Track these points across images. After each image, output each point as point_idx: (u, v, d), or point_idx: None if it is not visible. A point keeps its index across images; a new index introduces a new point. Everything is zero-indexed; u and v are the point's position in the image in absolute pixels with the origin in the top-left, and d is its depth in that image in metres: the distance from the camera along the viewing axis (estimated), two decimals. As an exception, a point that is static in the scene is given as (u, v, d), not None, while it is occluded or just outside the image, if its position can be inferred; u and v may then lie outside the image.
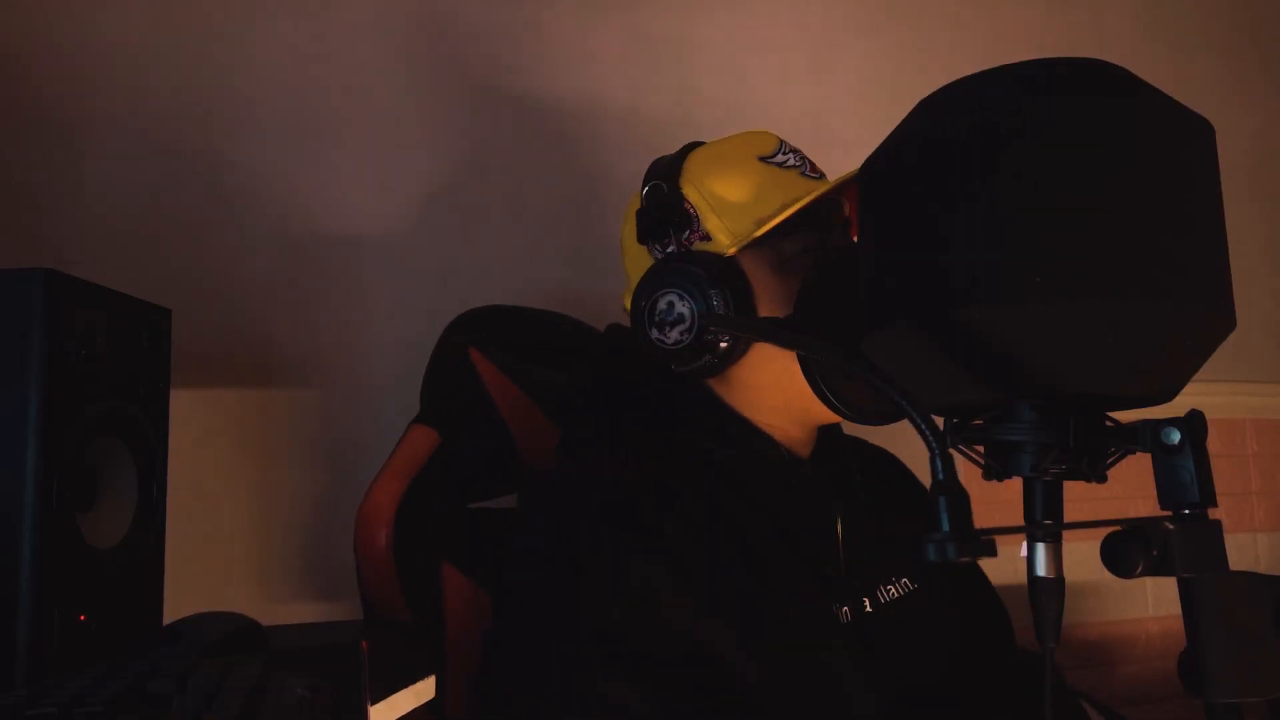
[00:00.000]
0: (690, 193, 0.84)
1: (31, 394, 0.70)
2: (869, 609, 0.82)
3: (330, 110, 1.37)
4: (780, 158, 0.85)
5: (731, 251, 0.82)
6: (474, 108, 1.45)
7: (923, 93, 0.55)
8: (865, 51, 1.71)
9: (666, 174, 0.86)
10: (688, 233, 0.84)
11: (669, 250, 0.85)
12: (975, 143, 0.50)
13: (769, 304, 0.82)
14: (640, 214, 0.87)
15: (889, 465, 1.02)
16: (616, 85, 1.53)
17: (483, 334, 1.08)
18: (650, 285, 0.83)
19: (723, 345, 0.80)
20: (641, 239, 0.87)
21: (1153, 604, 1.76)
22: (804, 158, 0.87)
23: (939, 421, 0.54)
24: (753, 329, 0.80)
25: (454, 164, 1.43)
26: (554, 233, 1.47)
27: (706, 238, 0.83)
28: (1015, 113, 0.49)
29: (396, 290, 1.38)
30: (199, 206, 1.29)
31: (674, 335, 0.81)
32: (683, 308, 0.80)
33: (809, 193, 0.80)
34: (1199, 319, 0.50)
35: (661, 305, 0.82)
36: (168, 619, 0.84)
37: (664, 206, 0.84)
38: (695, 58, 1.58)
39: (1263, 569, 0.56)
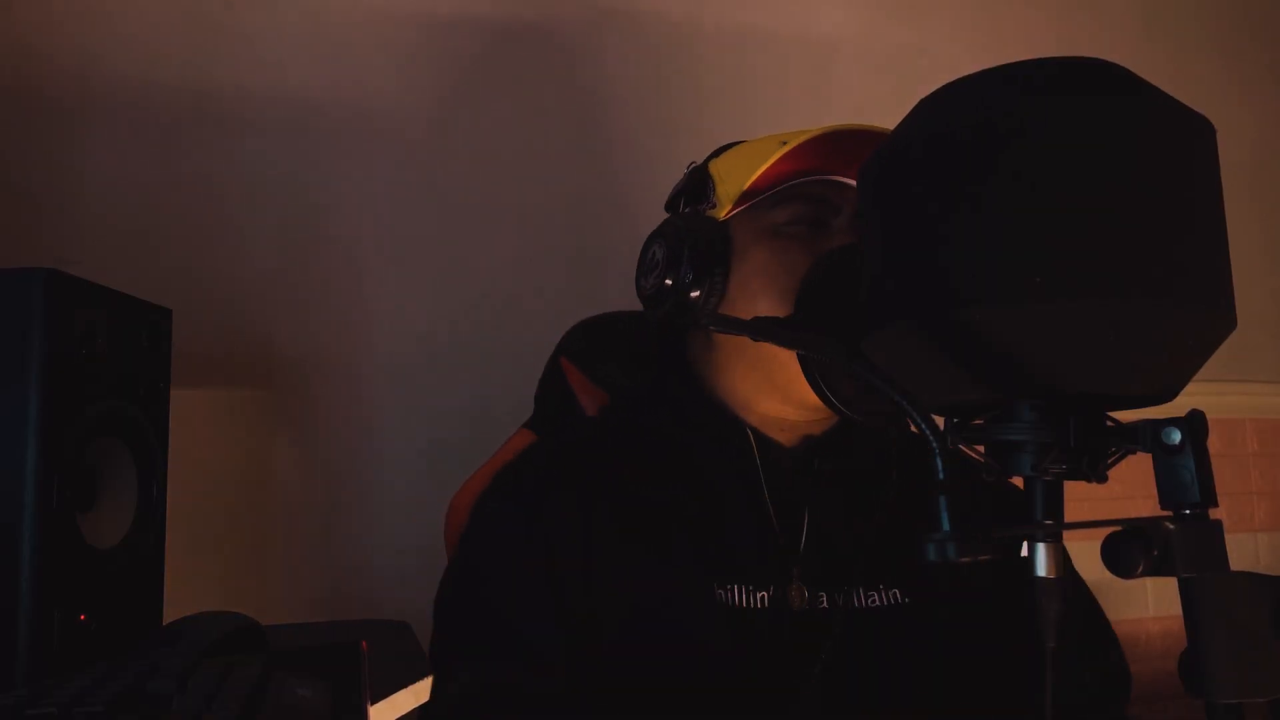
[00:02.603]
0: (714, 169, 0.89)
1: (31, 394, 0.70)
2: (824, 605, 0.81)
3: (331, 110, 1.37)
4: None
5: (723, 215, 0.86)
6: (475, 108, 1.45)
7: (922, 93, 0.55)
8: (865, 52, 1.71)
9: (709, 156, 0.92)
10: (703, 204, 0.89)
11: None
12: (975, 142, 0.50)
13: (748, 267, 0.84)
14: (674, 187, 0.94)
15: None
16: (619, 85, 1.53)
17: (576, 339, 1.11)
18: (647, 238, 0.89)
19: (693, 296, 0.83)
20: (666, 208, 0.94)
21: (1153, 604, 1.76)
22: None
23: (939, 421, 0.54)
24: (753, 328, 0.80)
25: (455, 164, 1.43)
26: (556, 233, 1.47)
27: (714, 206, 0.88)
28: (1015, 112, 0.49)
29: (396, 290, 1.38)
30: (199, 206, 1.29)
31: (651, 280, 0.86)
32: (660, 254, 0.85)
33: (803, 164, 0.83)
34: (1200, 318, 0.50)
35: (648, 254, 0.87)
36: (168, 619, 0.84)
37: (689, 180, 0.91)
38: (698, 58, 1.58)
39: (1263, 569, 0.56)
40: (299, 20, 1.37)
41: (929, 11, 1.77)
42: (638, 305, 0.91)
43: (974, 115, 0.50)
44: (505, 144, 1.46)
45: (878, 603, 0.82)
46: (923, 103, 0.55)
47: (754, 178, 0.83)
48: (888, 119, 0.58)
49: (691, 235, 0.83)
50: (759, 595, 0.80)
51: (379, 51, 1.40)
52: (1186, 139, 0.50)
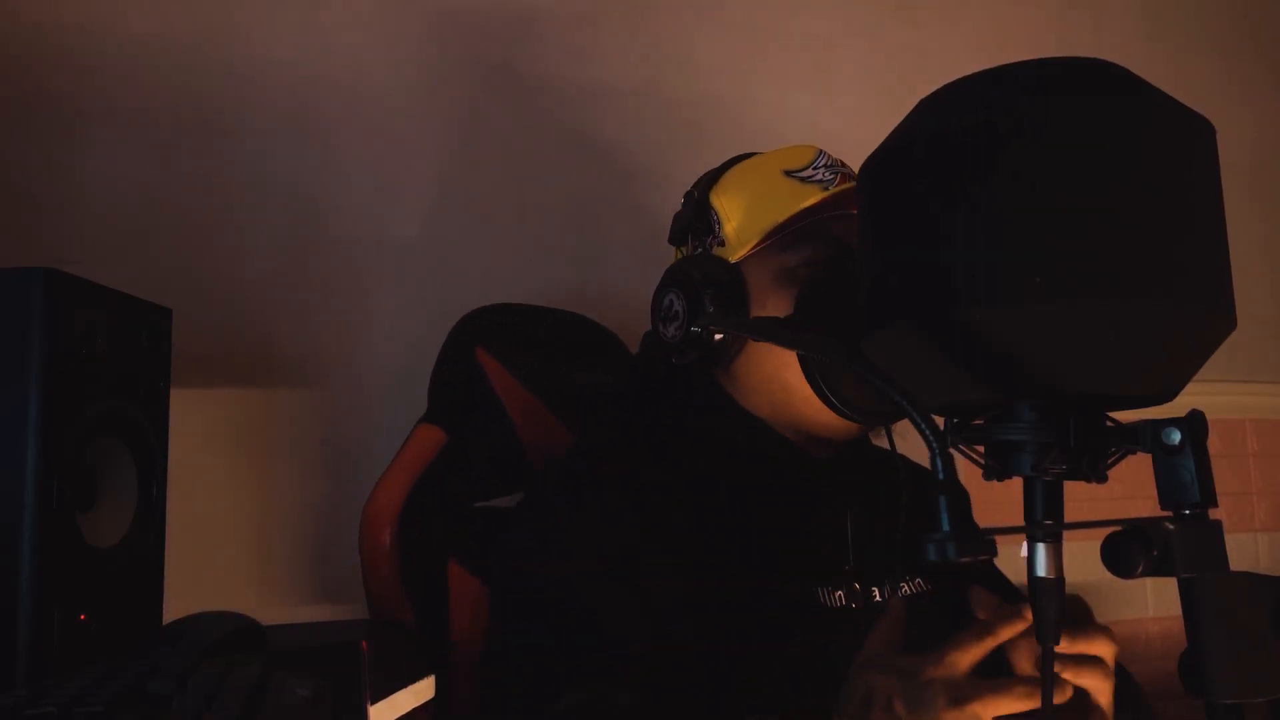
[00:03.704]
0: (717, 202, 0.89)
1: (31, 394, 0.70)
2: (877, 598, 0.85)
3: (331, 110, 1.37)
4: (808, 172, 0.88)
5: (735, 258, 0.86)
6: (476, 108, 1.45)
7: (923, 93, 0.55)
8: (865, 52, 1.71)
9: (703, 184, 0.92)
10: (709, 239, 0.89)
11: (693, 253, 0.91)
12: (975, 143, 0.50)
13: (764, 312, 0.85)
14: (674, 219, 0.94)
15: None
16: (619, 86, 1.53)
17: (491, 332, 1.09)
18: (661, 283, 0.89)
19: (717, 338, 0.84)
20: (671, 241, 0.95)
21: (1153, 604, 1.76)
22: (839, 170, 0.89)
23: (939, 421, 0.54)
24: (753, 329, 0.81)
25: (455, 164, 1.43)
26: (556, 233, 1.47)
27: (723, 244, 0.88)
28: (1015, 112, 0.49)
29: (397, 290, 1.38)
30: (199, 206, 1.29)
31: (671, 330, 0.87)
32: (678, 305, 0.86)
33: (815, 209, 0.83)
34: (1199, 318, 0.50)
35: (664, 302, 0.88)
36: (168, 619, 0.84)
37: (692, 213, 0.91)
38: (698, 60, 1.58)
39: (1263, 569, 0.56)
40: (299, 20, 1.36)
41: (929, 11, 1.77)
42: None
43: (974, 115, 0.50)
44: (505, 144, 1.46)
45: (909, 592, 0.87)
46: (923, 103, 0.55)
47: (772, 226, 0.84)
48: (888, 119, 0.58)
49: (709, 285, 0.84)
50: (835, 594, 0.83)
51: (379, 52, 1.40)
52: (1186, 139, 0.50)
